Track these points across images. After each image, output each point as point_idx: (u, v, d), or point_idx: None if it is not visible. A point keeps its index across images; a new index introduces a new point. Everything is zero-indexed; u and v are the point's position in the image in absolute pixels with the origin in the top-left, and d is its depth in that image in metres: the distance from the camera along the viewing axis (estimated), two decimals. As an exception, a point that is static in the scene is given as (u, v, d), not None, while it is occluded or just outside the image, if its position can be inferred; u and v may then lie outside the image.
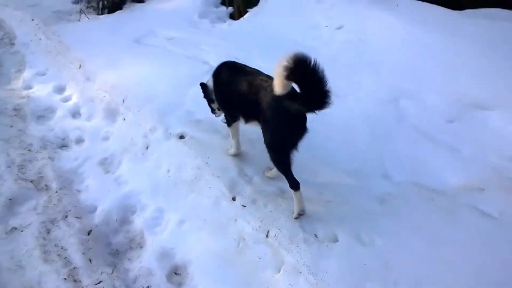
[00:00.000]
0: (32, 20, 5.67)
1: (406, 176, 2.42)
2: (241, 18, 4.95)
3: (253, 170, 2.48)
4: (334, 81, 3.22)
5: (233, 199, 2.30)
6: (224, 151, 2.64)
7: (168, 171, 2.70)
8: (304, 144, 2.64)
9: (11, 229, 2.38)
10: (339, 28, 4.06)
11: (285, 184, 2.36)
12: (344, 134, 2.76)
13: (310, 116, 2.84)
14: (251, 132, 2.75)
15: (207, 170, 2.50)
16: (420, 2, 4.11)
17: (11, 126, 3.38)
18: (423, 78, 3.21)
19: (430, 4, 4.00)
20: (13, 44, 5.38)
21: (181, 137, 2.86)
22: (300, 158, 2.54)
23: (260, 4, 5.06)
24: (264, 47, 3.98)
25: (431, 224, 2.11)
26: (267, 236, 2.10)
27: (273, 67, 1.89)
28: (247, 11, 5.03)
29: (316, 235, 2.06)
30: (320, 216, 2.16)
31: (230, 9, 5.19)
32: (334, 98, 2.90)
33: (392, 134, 2.75)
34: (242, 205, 2.25)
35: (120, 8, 6.05)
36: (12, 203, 2.55)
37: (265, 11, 4.82)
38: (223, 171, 2.47)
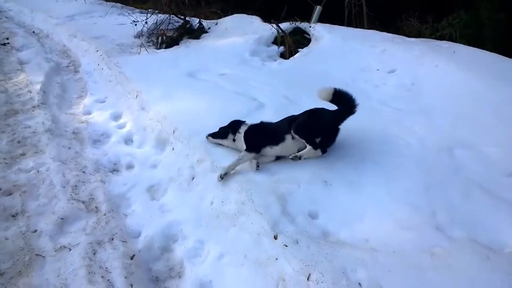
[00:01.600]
0: (97, 51, 6.16)
1: (460, 230, 2.27)
2: (292, 58, 5.09)
3: (296, 209, 2.44)
4: (384, 125, 3.25)
5: (275, 237, 2.26)
6: (268, 189, 2.63)
7: (212, 203, 2.73)
8: (351, 184, 2.63)
9: (60, 247, 2.48)
10: (391, 72, 4.06)
11: (328, 226, 2.32)
12: (394, 179, 2.67)
13: (357, 160, 2.83)
14: (297, 171, 2.77)
15: (250, 206, 2.50)
16: (478, 49, 4.04)
17: (69, 148, 3.61)
18: (479, 128, 3.09)
19: (488, 52, 3.92)
20: (77, 72, 5.86)
21: (227, 170, 2.91)
22: (346, 201, 2.52)
23: (310, 45, 5.20)
24: (313, 87, 4.00)
25: (485, 284, 1.95)
26: (308, 279, 2.03)
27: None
28: (297, 51, 5.18)
29: (360, 284, 1.97)
30: (365, 264, 2.06)
31: (281, 48, 5.37)
32: (384, 142, 2.90)
33: (446, 184, 2.61)
34: (284, 245, 2.20)
35: (177, 44, 6.43)
36: (64, 222, 2.67)
37: (316, 51, 4.94)
38: (266, 208, 2.46)
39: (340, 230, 2.29)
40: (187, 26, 6.82)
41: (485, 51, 4.01)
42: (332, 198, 2.53)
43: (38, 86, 4.85)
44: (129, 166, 3.43)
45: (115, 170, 3.42)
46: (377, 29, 5.36)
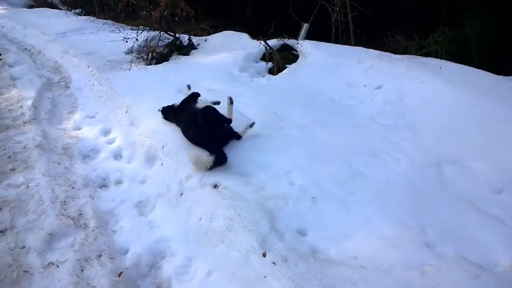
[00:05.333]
0: (88, 67, 6.19)
1: (449, 247, 2.30)
2: (280, 74, 5.19)
3: (285, 226, 2.47)
4: (372, 141, 3.33)
5: (264, 255, 2.28)
6: (257, 205, 2.67)
7: (200, 219, 2.75)
8: (340, 201, 2.68)
9: (48, 263, 2.46)
10: (378, 88, 4.17)
11: (317, 243, 2.35)
12: (382, 196, 2.72)
13: (346, 176, 2.89)
14: (285, 187, 2.82)
15: (239, 222, 2.53)
16: (464, 66, 4.16)
17: (59, 164, 3.60)
18: (467, 144, 3.18)
19: (474, 69, 4.05)
20: (68, 87, 5.87)
21: (215, 186, 2.93)
22: (335, 218, 2.56)
23: (298, 61, 5.31)
24: (301, 103, 4.13)
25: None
26: (296, 297, 2.06)
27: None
28: (286, 67, 5.29)
29: (349, 302, 2.00)
30: (355, 282, 2.09)
31: (270, 64, 5.47)
32: (371, 158, 2.97)
33: (434, 201, 2.67)
34: (273, 262, 2.22)
35: (167, 60, 6.52)
36: (52, 238, 2.66)
37: (303, 68, 5.05)
38: (254, 224, 2.49)
39: (329, 248, 2.33)
40: (177, 42, 6.92)
41: (471, 67, 4.14)
42: (321, 215, 2.58)
43: (29, 102, 4.86)
44: (118, 182, 3.44)
45: (104, 185, 3.42)
46: (363, 46, 5.50)
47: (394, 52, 5.24)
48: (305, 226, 2.50)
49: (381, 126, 3.59)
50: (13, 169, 3.47)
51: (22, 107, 4.78)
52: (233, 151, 3.29)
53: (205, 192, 2.91)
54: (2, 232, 2.73)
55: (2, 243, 2.61)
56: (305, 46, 5.50)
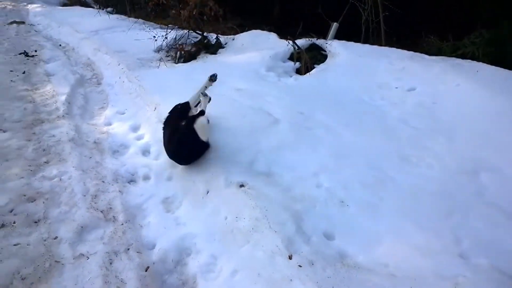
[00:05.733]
0: (119, 64, 6.35)
1: (484, 258, 2.20)
2: (308, 74, 5.13)
3: (312, 229, 2.44)
4: (403, 144, 3.24)
5: (290, 257, 2.26)
6: (283, 206, 2.65)
7: (226, 218, 2.75)
8: (369, 205, 2.62)
9: (79, 255, 2.54)
10: (411, 90, 4.04)
11: (345, 248, 2.31)
12: (413, 203, 2.64)
13: (375, 180, 2.82)
14: (313, 189, 2.78)
15: (265, 223, 2.52)
16: (502, 69, 3.98)
17: (90, 158, 3.71)
18: (503, 149, 3.03)
19: (512, 71, 3.87)
20: (99, 84, 6.04)
21: (241, 186, 2.93)
22: (364, 223, 2.50)
23: (327, 61, 5.23)
24: (329, 103, 4.07)
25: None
26: (323, 303, 2.03)
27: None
28: (313, 67, 5.23)
29: (376, 309, 1.95)
30: (383, 289, 2.05)
31: (297, 64, 5.42)
32: (402, 162, 2.88)
33: (469, 209, 2.56)
34: (299, 265, 2.19)
35: (195, 58, 6.58)
36: (83, 230, 2.74)
37: (332, 68, 4.97)
38: (280, 225, 2.47)
39: (358, 253, 2.28)
40: (205, 41, 6.98)
41: (509, 71, 3.95)
42: (349, 219, 2.53)
43: (63, 97, 5.03)
44: (146, 177, 3.49)
45: (132, 180, 3.48)
46: (394, 46, 5.37)
47: (427, 53, 5.07)
48: (332, 230, 2.46)
49: (413, 129, 3.48)
50: (47, 162, 3.60)
51: (56, 102, 4.95)
52: (259, 151, 3.28)
53: (231, 191, 2.91)
54: (36, 222, 2.83)
55: (36, 233, 2.71)
56: (334, 46, 5.42)
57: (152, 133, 4.13)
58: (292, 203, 2.69)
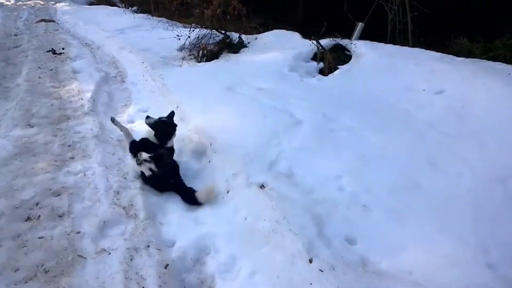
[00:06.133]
0: (142, 62, 6.45)
1: (514, 270, 2.11)
2: (331, 74, 5.05)
3: (333, 233, 2.39)
4: (431, 150, 3.13)
5: (310, 260, 2.22)
6: (304, 209, 2.61)
7: (245, 218, 2.74)
8: (394, 211, 2.54)
9: (101, 250, 2.57)
10: (439, 92, 3.89)
11: (368, 254, 2.25)
12: (441, 210, 2.54)
13: (401, 186, 2.73)
14: (335, 192, 2.72)
15: (285, 225, 2.49)
16: (538, 71, 3.80)
17: (113, 154, 3.77)
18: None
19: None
20: (123, 82, 6.15)
21: (262, 186, 2.90)
22: (388, 229, 2.43)
23: (351, 62, 5.14)
24: (353, 105, 3.98)
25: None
26: (344, 309, 1.98)
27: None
28: (337, 68, 5.14)
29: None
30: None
31: (321, 64, 5.34)
32: (430, 168, 2.78)
33: (500, 219, 2.45)
34: (319, 269, 2.15)
35: (217, 57, 6.60)
36: (105, 225, 2.77)
37: (357, 69, 4.87)
38: (301, 228, 2.43)
39: (381, 260, 2.21)
40: (227, 40, 6.99)
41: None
42: (372, 224, 2.46)
43: (88, 94, 5.14)
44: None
45: (153, 178, 3.51)
46: (421, 47, 5.21)
47: (456, 55, 4.90)
48: (354, 235, 2.40)
49: (441, 134, 3.35)
50: (72, 157, 3.68)
51: (82, 99, 5.07)
52: (281, 152, 3.25)
53: (251, 191, 2.89)
54: (60, 216, 2.89)
55: (60, 227, 2.76)
56: (359, 46, 5.31)
57: (174, 132, 4.16)
58: (313, 205, 2.65)
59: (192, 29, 7.14)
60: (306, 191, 2.79)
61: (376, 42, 5.52)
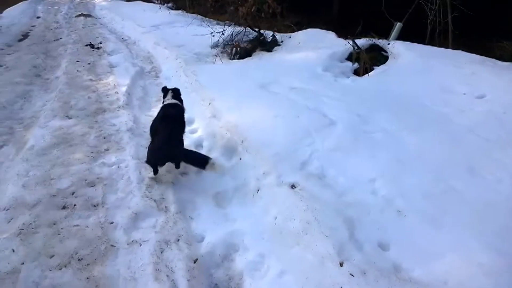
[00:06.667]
0: (176, 58, 6.55)
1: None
2: (366, 75, 4.93)
3: (365, 237, 2.33)
4: (470, 155, 3.00)
5: (341, 264, 2.17)
6: (336, 211, 2.55)
7: (275, 218, 2.71)
8: (430, 217, 2.44)
9: (132, 241, 2.63)
10: (480, 97, 3.73)
11: (401, 261, 2.18)
12: (479, 218, 2.42)
13: (437, 191, 2.62)
14: (368, 195, 2.65)
15: (316, 226, 2.44)
16: None
17: (146, 148, 3.84)
18: None
19: None
20: (158, 77, 6.28)
21: (293, 186, 2.87)
22: (423, 236, 2.34)
23: (388, 63, 5.00)
24: (389, 106, 3.87)
25: None
26: (375, 316, 1.92)
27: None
28: (373, 69, 5.01)
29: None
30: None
31: (356, 65, 5.23)
32: (468, 174, 2.65)
33: (542, 230, 2.32)
34: (350, 274, 2.10)
35: (250, 55, 6.61)
36: (137, 217, 2.84)
37: (393, 70, 4.73)
38: (332, 230, 2.38)
39: (414, 267, 2.13)
40: (261, 38, 6.99)
41: None
42: (406, 230, 2.37)
43: (124, 88, 5.29)
44: (198, 171, 3.54)
45: (184, 173, 3.54)
46: (462, 50, 5.00)
47: (499, 59, 4.66)
48: (387, 240, 2.33)
49: (481, 139, 3.20)
50: (107, 149, 3.79)
51: (117, 93, 5.21)
52: (313, 152, 3.20)
53: (282, 191, 2.86)
54: (94, 206, 2.98)
55: (94, 217, 2.85)
56: (396, 47, 5.16)
57: (205, 128, 4.20)
58: (345, 208, 2.59)
59: (226, 26, 7.19)
60: (338, 193, 2.73)
61: (414, 43, 5.34)
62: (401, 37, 5.66)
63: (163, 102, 3.80)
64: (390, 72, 4.71)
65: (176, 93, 3.88)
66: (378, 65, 5.04)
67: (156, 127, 3.44)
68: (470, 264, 2.13)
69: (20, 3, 15.46)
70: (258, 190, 3.03)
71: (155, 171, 3.29)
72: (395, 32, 5.62)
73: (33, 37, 9.42)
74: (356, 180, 2.83)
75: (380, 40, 5.51)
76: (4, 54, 7.60)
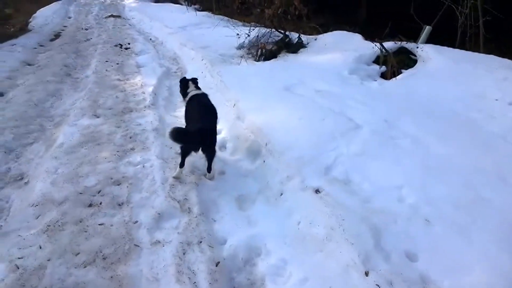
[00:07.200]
0: (202, 59, 6.61)
1: None
2: (394, 79, 4.82)
3: (391, 246, 2.26)
4: (502, 163, 2.88)
5: (366, 273, 2.12)
6: (361, 218, 2.49)
7: (299, 223, 2.68)
8: (459, 228, 2.35)
9: (155, 241, 2.65)
10: (513, 103, 3.59)
11: (430, 273, 2.10)
12: (510, 229, 2.33)
13: (467, 200, 2.52)
14: (394, 203, 2.58)
15: (340, 233, 2.40)
16: None
17: (171, 148, 3.88)
18: None
19: None
20: (183, 77, 6.35)
21: (317, 191, 2.83)
22: (452, 246, 2.26)
23: (416, 66, 4.87)
24: (416, 111, 3.77)
25: None
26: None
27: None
28: (401, 72, 4.89)
29: None
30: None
31: (383, 68, 5.12)
32: (500, 182, 2.53)
33: None
34: (376, 284, 2.05)
35: (275, 57, 6.59)
36: (160, 217, 2.85)
37: (422, 73, 4.61)
38: (357, 238, 2.33)
39: (443, 279, 2.07)
40: (286, 40, 6.95)
41: None
42: (435, 240, 2.30)
43: (150, 89, 5.38)
44: (221, 172, 3.55)
45: (206, 174, 3.57)
46: (493, 54, 4.81)
47: (534, 64, 4.46)
48: (415, 250, 2.26)
49: (515, 147, 3.07)
50: (133, 149, 3.85)
51: (144, 93, 5.30)
52: (337, 156, 3.15)
53: (306, 195, 2.83)
54: (119, 205, 3.02)
55: (119, 216, 2.89)
56: (425, 51, 5.02)
57: (229, 129, 4.21)
58: (370, 215, 2.53)
59: (252, 28, 7.20)
60: (364, 199, 2.68)
61: (444, 47, 5.18)
62: (430, 40, 5.50)
63: (186, 92, 3.83)
64: (419, 76, 4.58)
65: (197, 83, 3.96)
66: (406, 69, 4.92)
67: (192, 114, 3.50)
68: (500, 277, 2.05)
69: (52, 3, 16.01)
70: (282, 194, 3.01)
71: (182, 163, 3.30)
72: (424, 35, 5.47)
73: (65, 37, 9.73)
74: (381, 187, 2.77)
75: (409, 43, 5.37)
76: (37, 53, 7.88)
